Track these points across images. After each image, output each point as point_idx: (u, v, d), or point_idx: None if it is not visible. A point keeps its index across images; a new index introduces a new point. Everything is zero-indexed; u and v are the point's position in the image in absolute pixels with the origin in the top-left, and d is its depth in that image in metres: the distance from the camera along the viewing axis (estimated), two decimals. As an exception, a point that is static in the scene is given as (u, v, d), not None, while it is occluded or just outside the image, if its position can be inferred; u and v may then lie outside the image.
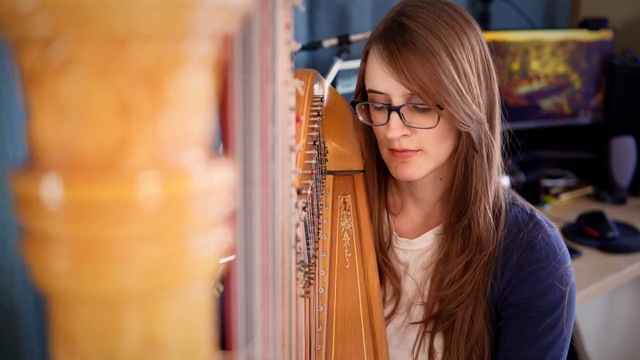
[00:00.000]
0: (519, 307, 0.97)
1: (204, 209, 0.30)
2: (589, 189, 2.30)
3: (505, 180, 1.05)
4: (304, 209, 0.76)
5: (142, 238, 0.29)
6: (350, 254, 1.03)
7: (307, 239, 0.83)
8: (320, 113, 0.95)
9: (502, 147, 1.01)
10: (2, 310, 1.27)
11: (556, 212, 2.13)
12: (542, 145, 2.41)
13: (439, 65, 0.89)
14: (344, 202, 1.08)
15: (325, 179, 1.08)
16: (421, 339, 1.01)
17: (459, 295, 0.98)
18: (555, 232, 1.01)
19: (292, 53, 0.62)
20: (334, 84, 1.73)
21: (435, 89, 0.89)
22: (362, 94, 1.00)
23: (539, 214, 1.03)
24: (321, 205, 1.05)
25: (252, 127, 0.50)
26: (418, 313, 1.03)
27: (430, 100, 0.90)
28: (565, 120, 2.34)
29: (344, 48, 1.70)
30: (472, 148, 0.95)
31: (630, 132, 2.23)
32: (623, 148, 2.21)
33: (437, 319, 1.00)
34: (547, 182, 2.27)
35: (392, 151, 0.96)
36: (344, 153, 1.10)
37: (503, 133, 1.01)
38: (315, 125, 0.90)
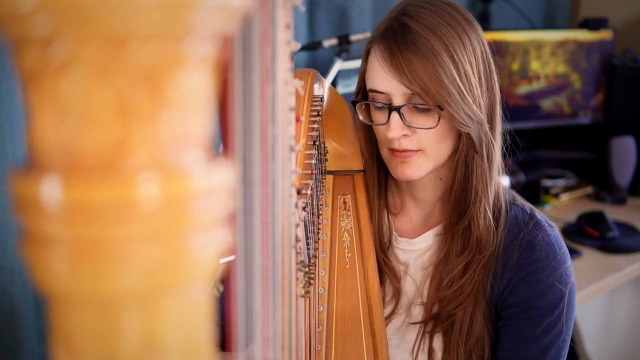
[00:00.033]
0: (519, 308, 0.97)
1: (203, 209, 0.30)
2: (589, 189, 2.30)
3: (505, 181, 1.05)
4: (304, 209, 0.76)
5: (142, 238, 0.29)
6: (350, 254, 1.03)
7: (307, 239, 0.83)
8: (320, 113, 0.95)
9: (502, 147, 1.01)
10: (2, 310, 1.27)
11: (556, 212, 2.13)
12: (542, 145, 2.41)
13: (440, 66, 0.89)
14: (344, 202, 1.08)
15: (325, 178, 1.08)
16: (421, 339, 1.01)
17: (459, 296, 0.98)
18: (555, 232, 1.01)
19: (292, 53, 0.62)
20: (334, 84, 1.73)
21: (436, 90, 0.89)
22: (363, 93, 1.00)
23: (538, 213, 1.03)
24: (321, 205, 1.05)
25: (252, 127, 0.50)
26: (418, 313, 1.03)
27: (430, 101, 0.90)
28: (565, 120, 2.34)
29: (344, 48, 1.70)
30: (473, 149, 0.95)
31: (630, 132, 2.23)
32: (623, 148, 2.21)
33: (436, 319, 1.00)
34: (547, 182, 2.27)
35: (392, 151, 0.96)
36: (344, 153, 1.10)
37: (503, 133, 1.01)
38: (315, 125, 0.90)
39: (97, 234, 0.29)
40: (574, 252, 1.84)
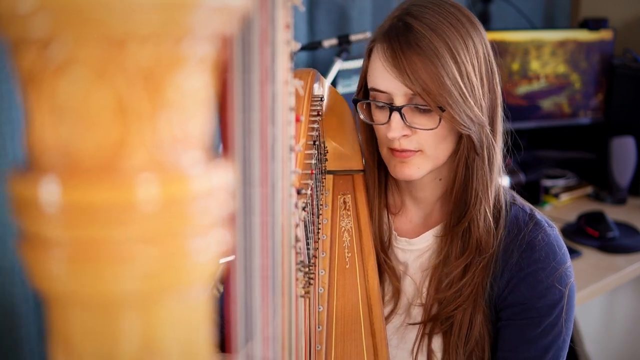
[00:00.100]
0: (518, 308, 0.97)
1: (203, 211, 0.30)
2: (589, 189, 2.30)
3: (505, 181, 1.05)
4: (303, 209, 0.75)
5: (141, 240, 0.29)
6: (350, 254, 1.03)
7: (307, 239, 0.83)
8: (320, 113, 0.95)
9: (503, 148, 1.01)
10: (2, 310, 1.27)
11: (556, 212, 2.13)
12: (542, 145, 2.41)
13: (443, 67, 0.88)
14: (344, 202, 1.08)
15: (325, 178, 1.08)
16: (420, 340, 1.00)
17: (458, 298, 0.98)
18: (555, 232, 1.01)
19: (291, 53, 0.62)
20: (334, 84, 1.73)
21: (437, 91, 0.89)
22: (364, 92, 1.00)
23: (538, 213, 1.03)
24: (321, 205, 1.05)
25: (252, 127, 0.50)
26: (417, 314, 1.02)
27: (432, 102, 0.90)
28: (565, 120, 2.34)
29: (344, 48, 1.70)
30: (473, 151, 0.94)
31: (630, 132, 2.23)
32: (623, 148, 2.21)
33: (435, 320, 1.00)
34: (547, 182, 2.27)
35: (392, 150, 0.96)
36: (343, 153, 1.10)
37: (504, 134, 1.01)
38: (315, 125, 0.90)
39: (96, 235, 0.28)
40: (574, 252, 1.84)
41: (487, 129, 0.94)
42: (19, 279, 1.27)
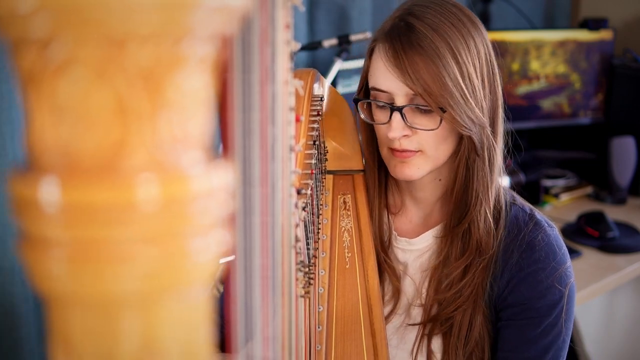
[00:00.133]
0: (518, 308, 0.97)
1: (203, 211, 0.30)
2: (589, 189, 2.30)
3: (505, 181, 1.05)
4: (303, 209, 0.75)
5: (141, 240, 0.29)
6: (350, 254, 1.03)
7: (307, 239, 0.83)
8: (320, 113, 0.95)
9: (503, 149, 1.01)
10: (2, 310, 1.27)
11: (556, 212, 2.13)
12: (542, 145, 2.41)
13: (444, 68, 0.88)
14: (344, 202, 1.08)
15: (325, 178, 1.08)
16: (420, 340, 1.00)
17: (458, 299, 0.98)
18: (555, 232, 1.01)
19: (291, 53, 0.62)
20: (334, 84, 1.73)
21: (438, 91, 0.89)
22: (365, 92, 1.00)
23: (538, 213, 1.03)
24: (321, 205, 1.05)
25: (252, 127, 0.50)
26: (416, 314, 1.02)
27: (433, 103, 0.89)
28: (565, 120, 2.34)
29: (344, 48, 1.70)
30: (474, 152, 0.94)
31: (630, 132, 2.23)
32: (623, 148, 2.21)
33: (435, 321, 1.00)
34: (547, 182, 2.27)
35: (392, 150, 0.96)
36: (344, 153, 1.10)
37: (505, 134, 1.01)
38: (315, 125, 0.90)
39: (96, 236, 0.28)
40: (574, 252, 1.84)
41: (488, 130, 0.94)
42: (19, 279, 1.27)
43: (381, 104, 0.95)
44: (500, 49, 0.95)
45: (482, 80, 0.93)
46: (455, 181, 0.98)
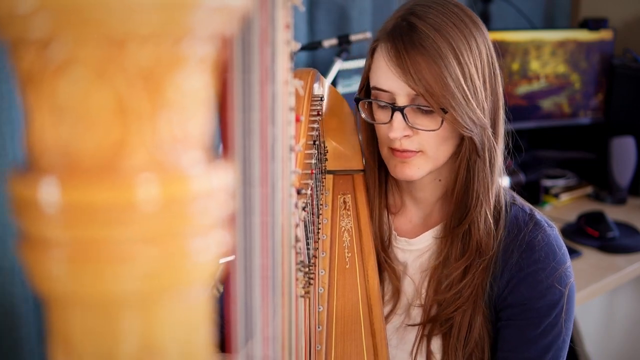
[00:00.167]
0: (518, 308, 0.97)
1: (203, 211, 0.30)
2: (589, 189, 2.30)
3: (505, 181, 1.05)
4: (303, 209, 0.75)
5: (141, 240, 0.29)
6: (350, 254, 1.03)
7: (307, 239, 0.83)
8: (320, 112, 0.95)
9: (504, 150, 1.01)
10: (2, 310, 1.27)
11: (556, 212, 2.13)
12: (542, 145, 2.41)
13: (446, 68, 0.88)
14: (344, 202, 1.08)
15: (325, 178, 1.08)
16: (419, 341, 1.00)
17: (457, 300, 0.98)
18: (554, 232, 1.01)
19: (291, 53, 0.62)
20: (334, 84, 1.73)
21: (440, 92, 0.89)
22: (366, 91, 1.00)
23: (538, 214, 1.03)
24: (321, 205, 1.05)
25: (252, 127, 0.50)
26: (416, 315, 1.02)
27: (434, 103, 0.89)
28: (565, 120, 2.34)
29: (344, 48, 1.70)
30: (475, 153, 0.94)
31: (630, 132, 2.23)
32: (623, 148, 2.21)
33: (434, 322, 1.00)
34: (547, 182, 2.27)
35: (392, 150, 0.96)
36: (344, 152, 1.10)
37: (505, 135, 1.01)
38: (315, 125, 0.90)
39: (96, 236, 0.28)
40: (574, 252, 1.84)
41: (489, 131, 0.94)
42: (19, 279, 1.27)
43: (382, 103, 0.95)
44: (501, 49, 0.95)
45: (484, 81, 0.93)
46: (455, 182, 0.98)
